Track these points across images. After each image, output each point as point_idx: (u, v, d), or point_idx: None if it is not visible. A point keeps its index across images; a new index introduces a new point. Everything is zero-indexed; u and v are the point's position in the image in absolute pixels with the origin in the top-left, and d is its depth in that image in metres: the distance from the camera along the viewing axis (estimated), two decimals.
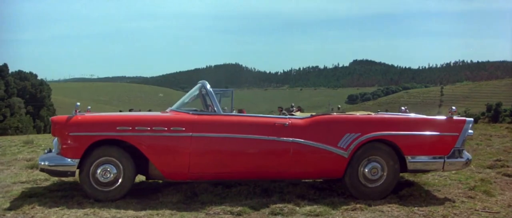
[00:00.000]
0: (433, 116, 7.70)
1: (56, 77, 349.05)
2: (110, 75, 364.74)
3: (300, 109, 41.92)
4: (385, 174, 7.04)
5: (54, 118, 6.81)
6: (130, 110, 26.17)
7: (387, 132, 7.03)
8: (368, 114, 7.43)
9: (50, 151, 6.97)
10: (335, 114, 7.35)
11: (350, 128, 6.99)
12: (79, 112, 6.81)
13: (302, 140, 6.85)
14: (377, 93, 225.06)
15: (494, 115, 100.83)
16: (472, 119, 7.54)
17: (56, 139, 6.82)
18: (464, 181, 8.22)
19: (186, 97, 7.83)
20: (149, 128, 6.63)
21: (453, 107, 7.45)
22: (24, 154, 12.00)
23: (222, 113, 7.01)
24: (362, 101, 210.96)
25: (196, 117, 6.88)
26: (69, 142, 6.48)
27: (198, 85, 7.53)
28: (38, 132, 67.26)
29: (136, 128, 6.60)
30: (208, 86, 7.22)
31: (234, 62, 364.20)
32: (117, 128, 6.57)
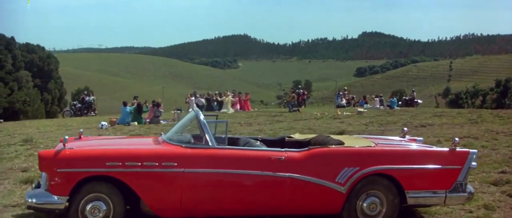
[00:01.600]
0: (437, 147, 7.46)
1: (65, 47, 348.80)
2: (119, 46, 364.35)
3: (304, 91, 41.79)
4: (384, 209, 6.82)
5: (41, 152, 6.59)
6: (135, 98, 26.07)
7: (386, 166, 6.79)
8: (367, 146, 7.14)
9: (38, 185, 6.76)
10: (333, 146, 7.07)
11: (348, 162, 6.75)
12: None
13: (298, 175, 6.62)
14: (386, 67, 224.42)
15: (503, 90, 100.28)
16: (475, 151, 7.27)
17: (43, 173, 6.61)
18: (467, 207, 7.98)
19: (180, 125, 7.59)
20: (139, 163, 6.40)
21: (456, 139, 7.19)
22: (21, 158, 11.84)
23: (216, 145, 6.77)
24: (371, 74, 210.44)
25: (188, 150, 6.64)
26: (56, 178, 6.27)
27: (192, 114, 7.31)
28: (46, 105, 67.46)
29: (126, 163, 6.37)
30: (202, 117, 6.97)
31: (242, 33, 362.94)
32: (107, 164, 6.35)
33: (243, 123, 20.76)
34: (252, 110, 32.65)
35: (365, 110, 25.86)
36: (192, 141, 7.02)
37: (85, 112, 32.78)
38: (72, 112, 34.02)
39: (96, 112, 34.33)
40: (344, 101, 36.42)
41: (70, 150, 6.48)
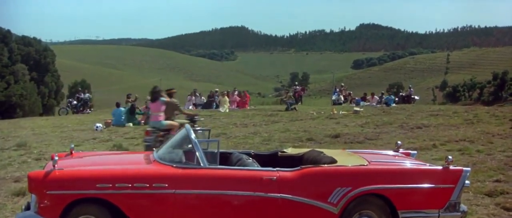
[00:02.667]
0: (431, 166, 7.40)
1: (62, 38, 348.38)
2: (116, 37, 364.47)
3: (303, 89, 41.75)
4: None
5: (31, 173, 6.51)
6: (128, 96, 25.98)
7: (379, 186, 6.73)
8: (360, 164, 7.07)
9: (28, 206, 6.69)
10: (325, 166, 7.00)
11: (341, 181, 6.69)
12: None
13: (290, 196, 6.56)
14: (383, 59, 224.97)
15: (500, 83, 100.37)
16: (469, 169, 7.22)
17: (33, 195, 6.53)
18: None
19: (172, 142, 7.53)
20: (130, 185, 6.33)
21: (449, 157, 7.15)
22: (14, 166, 11.79)
23: (207, 165, 6.71)
24: (368, 66, 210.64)
25: (179, 170, 6.57)
26: (46, 201, 6.19)
27: (183, 132, 7.24)
28: (43, 98, 67.29)
29: (116, 185, 6.31)
30: (193, 135, 6.90)
31: (240, 25, 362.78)
32: (97, 185, 6.28)
33: (238, 124, 20.68)
34: (248, 107, 32.56)
35: (361, 109, 25.78)
36: (184, 160, 6.96)
37: (81, 109, 32.76)
38: (67, 109, 34.06)
39: (92, 109, 34.34)
40: (340, 97, 36.42)
41: (60, 171, 6.40)
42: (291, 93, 33.39)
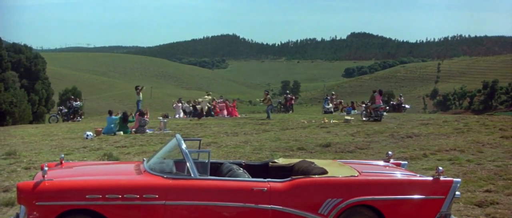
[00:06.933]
0: (422, 176, 7.40)
1: (53, 46, 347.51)
2: (107, 45, 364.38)
3: (292, 98, 41.70)
4: None
5: (20, 184, 6.44)
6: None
7: (370, 197, 6.73)
8: (351, 175, 7.06)
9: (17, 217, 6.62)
10: (316, 176, 6.99)
11: (332, 192, 6.68)
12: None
13: (281, 207, 6.54)
14: (374, 67, 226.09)
15: (490, 92, 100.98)
16: (459, 180, 7.21)
17: (22, 206, 6.46)
18: None
19: (163, 151, 7.50)
20: (120, 196, 6.30)
21: (440, 168, 7.15)
22: (3, 175, 11.67)
23: (198, 176, 6.68)
24: (359, 75, 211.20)
25: (170, 181, 6.55)
26: (35, 212, 6.14)
27: (174, 142, 7.21)
28: (33, 106, 67.01)
29: (106, 196, 6.27)
30: (184, 146, 6.87)
31: (231, 33, 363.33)
32: (87, 196, 6.24)
33: (229, 133, 20.61)
34: (239, 115, 32.57)
35: (352, 118, 25.76)
36: (174, 170, 6.94)
37: (72, 117, 32.64)
38: (57, 117, 34.00)
39: (82, 117, 34.24)
40: (331, 106, 36.42)
41: (50, 182, 6.35)
42: (273, 98, 33.35)
